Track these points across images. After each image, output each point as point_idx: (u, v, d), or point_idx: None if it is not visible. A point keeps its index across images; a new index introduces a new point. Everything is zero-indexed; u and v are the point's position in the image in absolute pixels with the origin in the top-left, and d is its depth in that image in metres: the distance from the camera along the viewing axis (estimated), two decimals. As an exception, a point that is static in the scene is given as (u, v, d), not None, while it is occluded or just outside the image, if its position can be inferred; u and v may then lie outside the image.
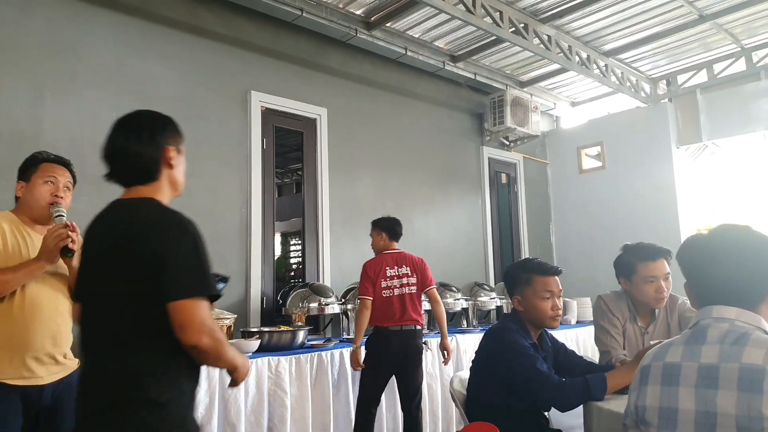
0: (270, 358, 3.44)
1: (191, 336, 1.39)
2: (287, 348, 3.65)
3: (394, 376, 3.81)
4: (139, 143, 1.58)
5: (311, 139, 4.96)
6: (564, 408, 2.10)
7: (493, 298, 5.47)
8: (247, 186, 4.41)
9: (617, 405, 1.40)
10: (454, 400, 2.38)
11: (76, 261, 2.05)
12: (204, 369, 3.12)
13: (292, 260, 7.95)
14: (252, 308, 4.31)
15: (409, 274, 3.93)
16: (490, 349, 2.29)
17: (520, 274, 2.35)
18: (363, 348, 3.76)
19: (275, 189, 4.80)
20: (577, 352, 2.58)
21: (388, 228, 4.05)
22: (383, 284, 3.84)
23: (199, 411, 3.08)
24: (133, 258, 1.44)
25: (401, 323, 3.78)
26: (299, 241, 6.52)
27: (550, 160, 7.30)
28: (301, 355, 3.59)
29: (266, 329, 3.81)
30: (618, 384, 2.05)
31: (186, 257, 1.45)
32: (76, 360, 2.26)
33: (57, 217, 2.14)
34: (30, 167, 2.25)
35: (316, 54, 5.00)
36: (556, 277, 2.32)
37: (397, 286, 3.87)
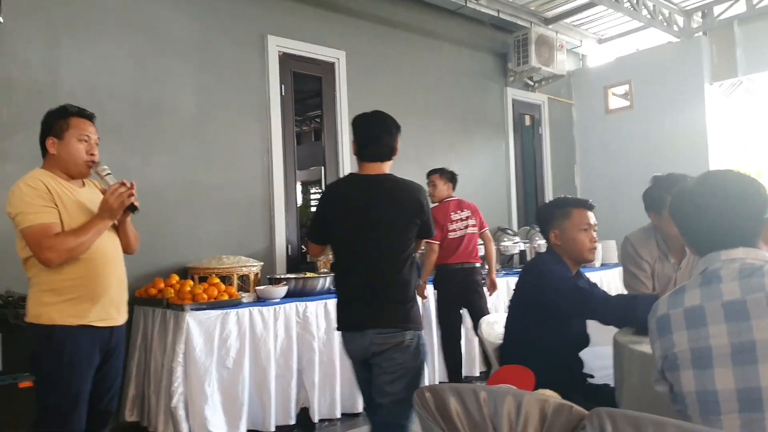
0: (297, 303, 3.48)
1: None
2: (313, 293, 3.68)
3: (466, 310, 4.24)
4: (391, 138, 2.37)
5: (330, 85, 4.85)
6: (608, 319, 2.11)
7: (517, 243, 5.43)
8: (268, 134, 4.35)
9: (649, 347, 1.38)
10: (481, 344, 2.38)
11: None
12: (235, 315, 3.18)
13: (313, 209, 7.95)
14: (278, 256, 4.33)
15: (471, 217, 4.36)
16: (529, 281, 2.30)
17: (556, 209, 2.36)
18: (431, 285, 4.26)
19: (295, 137, 4.74)
20: None
21: (452, 178, 4.50)
22: (450, 227, 4.25)
23: (230, 355, 3.15)
24: (407, 209, 2.24)
25: (463, 261, 4.22)
26: (319, 190, 6.48)
27: (575, 101, 7.09)
28: (327, 300, 3.62)
29: (292, 276, 3.84)
30: None
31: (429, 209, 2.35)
32: None
33: (107, 175, 2.21)
34: (61, 123, 2.21)
35: (334, -6, 4.84)
36: (591, 212, 2.35)
37: (461, 228, 4.30)
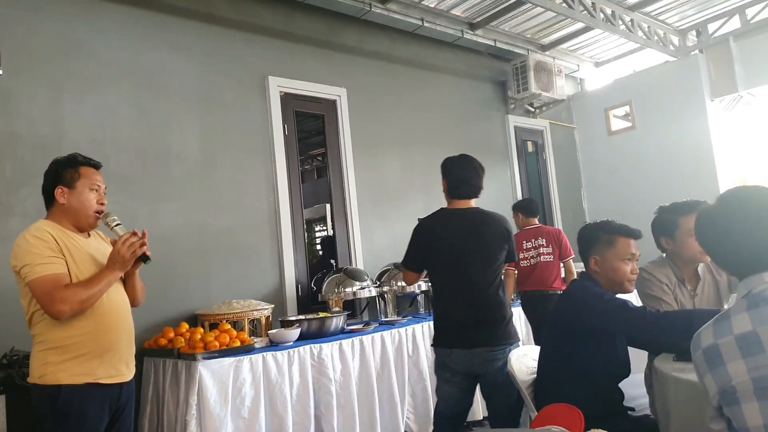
0: (312, 345, 3.38)
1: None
2: (328, 334, 3.59)
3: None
4: (479, 179, 2.82)
5: (333, 122, 4.85)
6: (662, 342, 2.01)
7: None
8: (273, 174, 4.33)
9: (694, 376, 1.29)
10: (512, 377, 2.28)
11: None
12: (249, 362, 3.08)
13: (318, 246, 7.89)
14: (288, 296, 4.25)
15: (545, 245, 4.49)
16: (571, 308, 2.19)
17: (600, 234, 2.27)
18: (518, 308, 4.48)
19: (300, 175, 4.71)
20: None
21: (522, 208, 4.75)
22: (521, 255, 4.47)
23: (246, 404, 3.05)
24: (497, 237, 2.66)
25: (535, 288, 4.41)
26: (323, 227, 6.44)
27: (576, 124, 7.09)
28: (343, 341, 3.53)
29: (305, 317, 3.76)
30: None
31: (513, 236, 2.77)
32: None
33: (116, 225, 2.19)
34: (71, 172, 2.17)
35: (332, 33, 4.87)
36: (636, 242, 2.27)
37: (533, 256, 4.48)
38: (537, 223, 4.70)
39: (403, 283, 4.35)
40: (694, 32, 6.32)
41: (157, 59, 3.88)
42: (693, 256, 2.41)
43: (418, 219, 2.91)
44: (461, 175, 2.80)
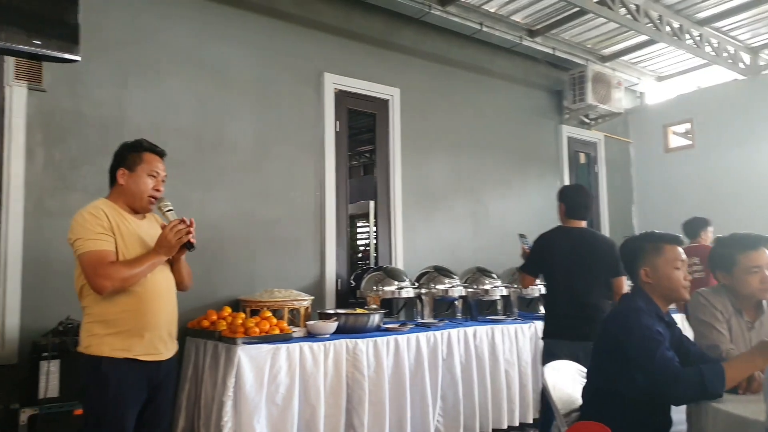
0: (347, 340, 3.43)
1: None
2: (363, 330, 3.62)
3: None
4: (591, 204, 3.39)
5: (384, 120, 4.88)
6: (677, 402, 1.95)
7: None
8: (322, 169, 4.40)
9: (735, 407, 1.25)
10: (546, 392, 2.25)
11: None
12: (286, 350, 3.16)
13: (359, 242, 7.95)
14: (327, 290, 4.32)
15: (697, 263, 4.66)
16: (616, 331, 2.12)
17: (645, 244, 2.21)
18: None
19: (347, 172, 4.77)
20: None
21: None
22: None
23: (280, 391, 3.11)
24: (606, 255, 3.24)
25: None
26: (366, 223, 6.49)
27: (633, 139, 6.92)
28: (378, 338, 3.56)
29: (342, 311, 3.81)
30: (737, 375, 1.87)
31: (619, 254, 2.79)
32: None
33: (168, 211, 2.26)
34: (134, 156, 2.27)
35: (389, 33, 4.91)
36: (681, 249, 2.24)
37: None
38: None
39: (442, 286, 4.39)
40: (767, 51, 6.06)
41: (219, 50, 4.00)
42: (751, 293, 2.34)
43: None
44: (578, 200, 3.45)
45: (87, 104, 3.46)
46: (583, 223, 3.45)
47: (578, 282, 3.23)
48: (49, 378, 2.80)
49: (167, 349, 2.26)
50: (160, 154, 2.34)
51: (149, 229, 2.30)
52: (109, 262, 2.10)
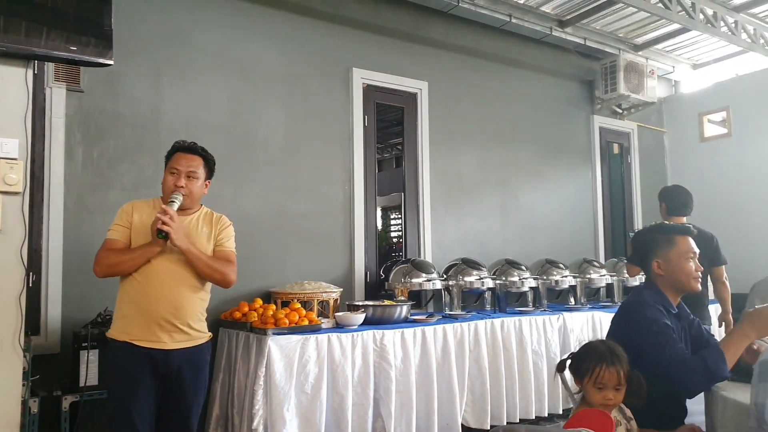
0: (375, 331, 3.50)
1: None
2: (391, 322, 3.70)
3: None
4: (692, 203, 3.91)
5: (412, 114, 4.92)
6: (689, 394, 1.97)
7: (603, 275, 5.21)
8: (350, 163, 4.47)
9: (744, 396, 1.29)
10: (564, 383, 2.28)
11: None
12: (315, 340, 3.24)
13: (392, 234, 8.02)
14: (356, 282, 4.40)
15: None
16: (624, 325, 2.16)
17: (658, 236, 2.24)
18: None
19: (376, 165, 4.83)
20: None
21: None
22: None
23: (309, 381, 3.21)
24: (707, 247, 3.43)
25: None
26: (399, 215, 6.56)
27: (667, 128, 6.79)
28: (405, 329, 3.63)
29: (370, 303, 3.88)
30: (736, 351, 1.90)
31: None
32: (207, 333, 2.46)
33: (169, 202, 2.34)
34: (168, 156, 2.47)
35: (417, 26, 4.93)
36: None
37: None
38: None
39: (471, 279, 4.42)
40: (806, 36, 5.86)
41: (249, 48, 4.09)
42: None
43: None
44: (678, 199, 3.86)
45: (124, 104, 3.60)
46: (684, 219, 3.77)
47: None
48: (89, 367, 2.96)
49: (173, 340, 2.30)
50: (181, 148, 2.45)
51: (189, 225, 2.41)
52: (108, 248, 2.30)
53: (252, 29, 4.12)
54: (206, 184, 2.51)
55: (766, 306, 1.95)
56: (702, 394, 1.99)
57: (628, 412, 1.91)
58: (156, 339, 2.28)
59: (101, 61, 2.44)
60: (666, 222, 2.34)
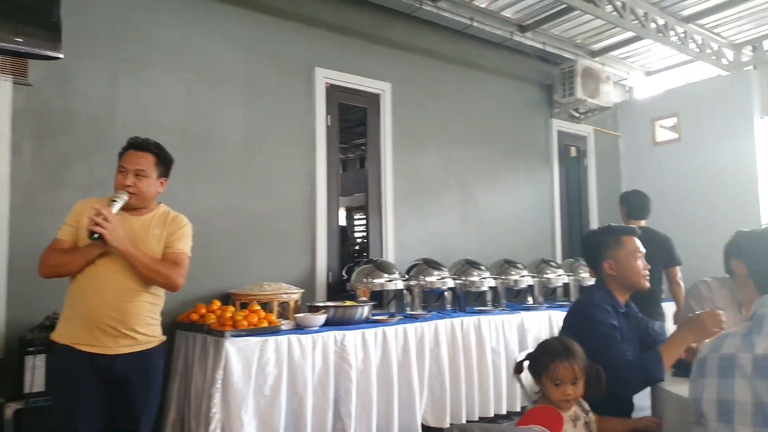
0: (336, 332, 3.50)
1: None
2: (352, 322, 3.70)
3: None
4: (650, 207, 4.26)
5: (375, 115, 4.94)
6: (627, 394, 2.06)
7: (560, 275, 5.34)
8: (312, 163, 4.45)
9: (686, 391, 1.37)
10: (518, 381, 2.33)
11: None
12: (274, 342, 3.21)
13: (357, 234, 8.02)
14: (318, 283, 4.38)
15: None
16: (576, 324, 2.23)
17: (606, 237, 2.32)
18: None
19: (339, 165, 4.82)
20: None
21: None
22: None
23: (268, 383, 3.18)
24: (662, 249, 3.97)
25: None
26: (363, 216, 6.59)
27: (621, 133, 6.99)
28: (366, 330, 3.63)
29: (332, 304, 3.87)
30: (673, 355, 2.00)
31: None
32: (158, 337, 2.39)
33: (111, 202, 2.25)
34: (121, 154, 2.39)
35: (380, 27, 4.95)
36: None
37: None
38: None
39: (432, 279, 4.46)
40: (749, 47, 6.13)
41: (209, 45, 4.03)
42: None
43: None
44: (638, 204, 4.15)
45: (77, 100, 3.49)
46: (642, 222, 4.07)
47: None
48: (35, 372, 2.83)
49: (118, 344, 2.23)
50: (131, 145, 2.38)
51: (138, 226, 2.34)
52: (53, 248, 2.24)
53: (212, 26, 4.06)
54: (161, 183, 2.42)
55: (704, 312, 2.05)
56: (649, 390, 2.07)
57: (586, 405, 1.97)
58: (99, 343, 2.21)
59: (50, 53, 2.37)
60: (613, 225, 2.42)
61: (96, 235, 2.14)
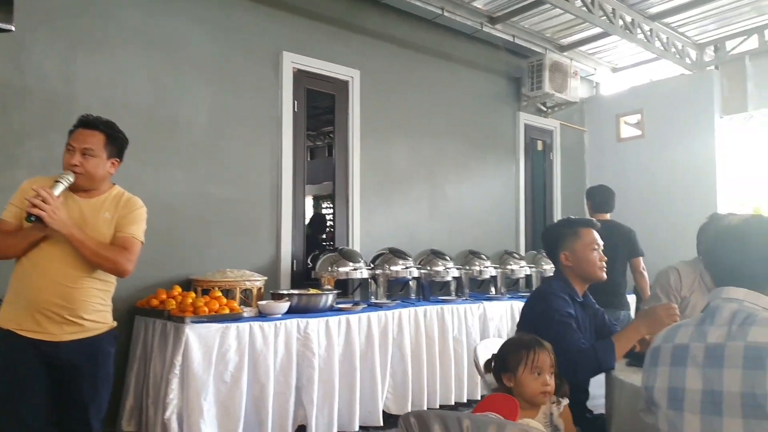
0: (299, 319, 3.48)
1: None
2: (316, 310, 3.68)
3: None
4: (614, 201, 4.40)
5: (343, 102, 4.89)
6: (578, 381, 2.10)
7: (523, 267, 5.41)
8: (278, 149, 4.39)
9: (639, 380, 1.41)
10: (477, 369, 2.36)
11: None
12: (236, 329, 3.16)
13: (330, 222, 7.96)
14: (282, 271, 4.35)
15: None
16: (534, 313, 2.27)
17: (564, 229, 2.37)
18: None
19: (306, 152, 4.77)
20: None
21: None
22: None
23: (229, 369, 3.15)
24: (625, 241, 4.11)
25: None
26: (330, 205, 6.55)
27: (587, 128, 7.10)
28: (329, 318, 3.62)
29: (296, 291, 3.85)
30: (626, 345, 2.05)
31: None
32: (107, 323, 2.30)
33: (54, 182, 2.13)
34: (70, 132, 2.27)
35: (351, 14, 4.90)
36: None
37: None
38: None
39: (397, 268, 4.47)
40: (712, 47, 6.28)
41: (173, 26, 3.92)
42: None
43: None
44: (603, 198, 4.28)
45: (31, 76, 3.35)
46: (607, 216, 4.23)
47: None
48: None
49: (63, 331, 2.15)
50: (80, 123, 2.26)
51: (87, 208, 2.23)
52: None
53: (176, 6, 3.95)
54: (112, 164, 2.28)
55: (659, 305, 2.10)
56: (603, 378, 2.12)
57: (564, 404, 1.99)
58: (42, 330, 2.12)
59: (0, 25, 2.23)
60: (572, 217, 2.47)
61: (33, 218, 2.02)
